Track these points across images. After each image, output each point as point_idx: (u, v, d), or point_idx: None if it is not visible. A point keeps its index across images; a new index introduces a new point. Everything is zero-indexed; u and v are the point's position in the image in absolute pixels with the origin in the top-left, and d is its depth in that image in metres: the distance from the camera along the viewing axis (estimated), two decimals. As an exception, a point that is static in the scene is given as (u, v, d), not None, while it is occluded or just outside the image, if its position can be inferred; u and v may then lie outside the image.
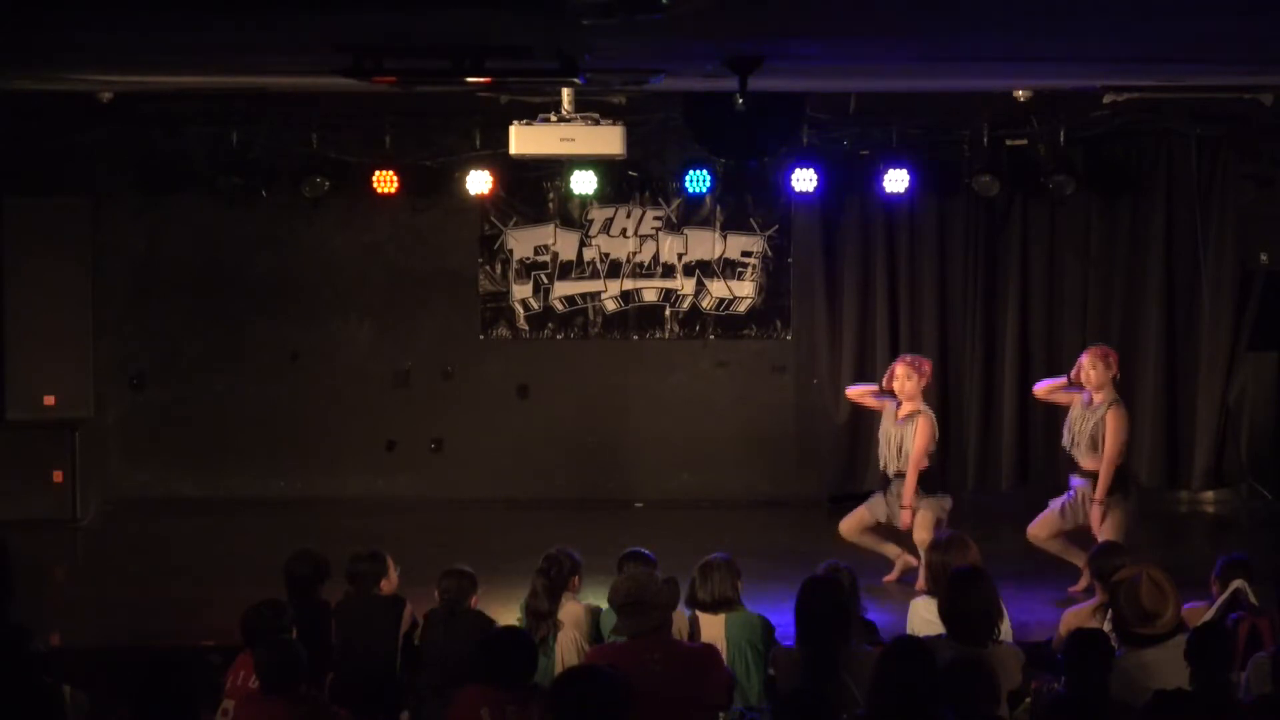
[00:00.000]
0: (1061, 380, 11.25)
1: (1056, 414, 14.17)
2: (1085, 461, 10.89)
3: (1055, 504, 11.03)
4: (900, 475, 11.00)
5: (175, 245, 14.31)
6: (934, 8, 6.95)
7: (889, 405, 11.19)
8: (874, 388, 11.50)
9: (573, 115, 10.34)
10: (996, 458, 14.12)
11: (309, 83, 10.98)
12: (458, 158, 13.54)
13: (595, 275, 14.40)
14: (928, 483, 11.02)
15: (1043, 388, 11.53)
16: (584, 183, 13.31)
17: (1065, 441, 11.07)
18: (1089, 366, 10.96)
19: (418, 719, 8.02)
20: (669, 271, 14.40)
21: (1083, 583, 10.60)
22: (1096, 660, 6.72)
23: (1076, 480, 10.95)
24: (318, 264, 14.36)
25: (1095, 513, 10.76)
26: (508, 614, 8.45)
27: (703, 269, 14.38)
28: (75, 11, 6.83)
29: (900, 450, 11.02)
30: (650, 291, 14.44)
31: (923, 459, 10.97)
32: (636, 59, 8.93)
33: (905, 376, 11.12)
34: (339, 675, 8.14)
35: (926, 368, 11.28)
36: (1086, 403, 10.95)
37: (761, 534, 12.62)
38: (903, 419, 11.03)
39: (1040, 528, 11.00)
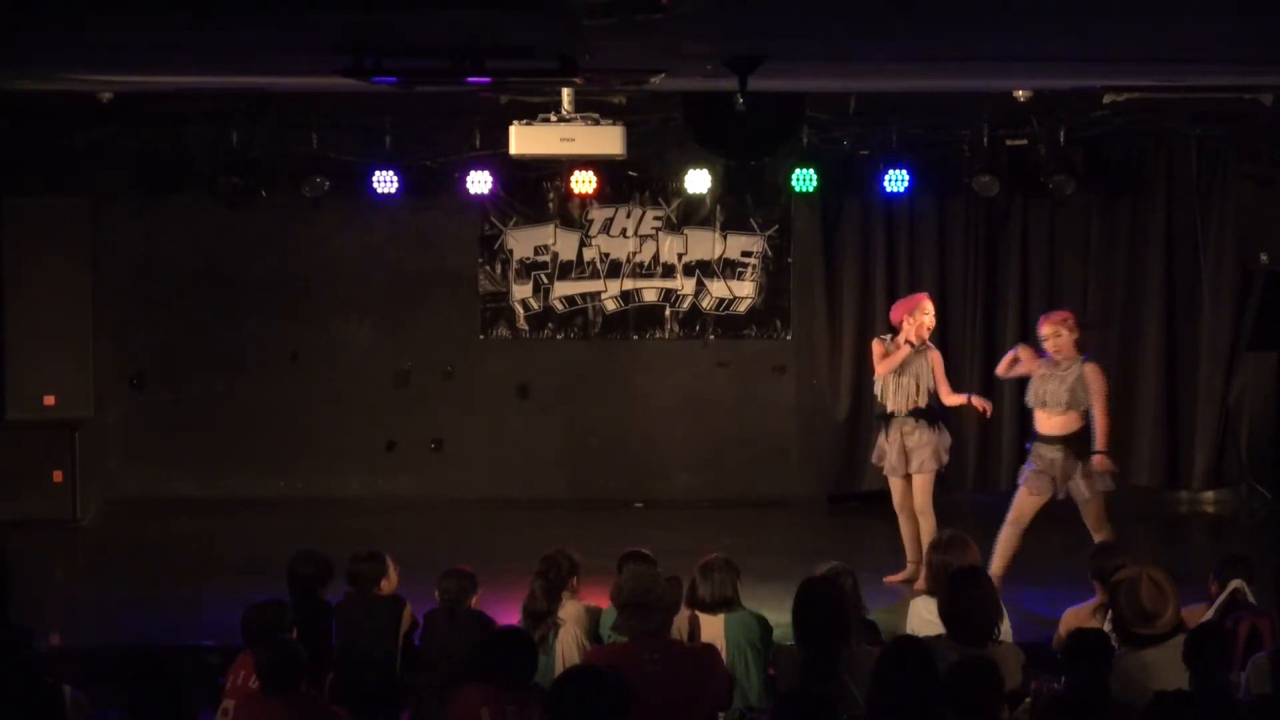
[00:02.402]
0: (1012, 354, 11.05)
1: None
2: (1049, 425, 10.65)
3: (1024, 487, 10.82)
4: (910, 412, 11.00)
5: (175, 245, 14.31)
6: (934, 8, 6.95)
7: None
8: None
9: (573, 115, 10.34)
10: (997, 458, 14.12)
11: (309, 83, 10.97)
12: (458, 158, 13.54)
13: (595, 275, 14.41)
14: (931, 416, 11.07)
15: (1001, 367, 11.22)
16: (584, 183, 13.32)
17: (1031, 400, 10.78)
18: (1052, 335, 10.69)
19: (418, 719, 8.02)
20: (669, 271, 14.40)
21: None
22: (1097, 660, 6.72)
23: (1044, 449, 10.69)
24: (318, 264, 14.36)
25: (1080, 485, 10.63)
26: (508, 614, 8.45)
27: (703, 269, 14.39)
28: (75, 11, 6.83)
29: (918, 387, 11.01)
30: (650, 291, 14.44)
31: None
32: (636, 59, 8.93)
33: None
34: (339, 675, 8.14)
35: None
36: (1053, 365, 10.67)
37: (761, 534, 12.62)
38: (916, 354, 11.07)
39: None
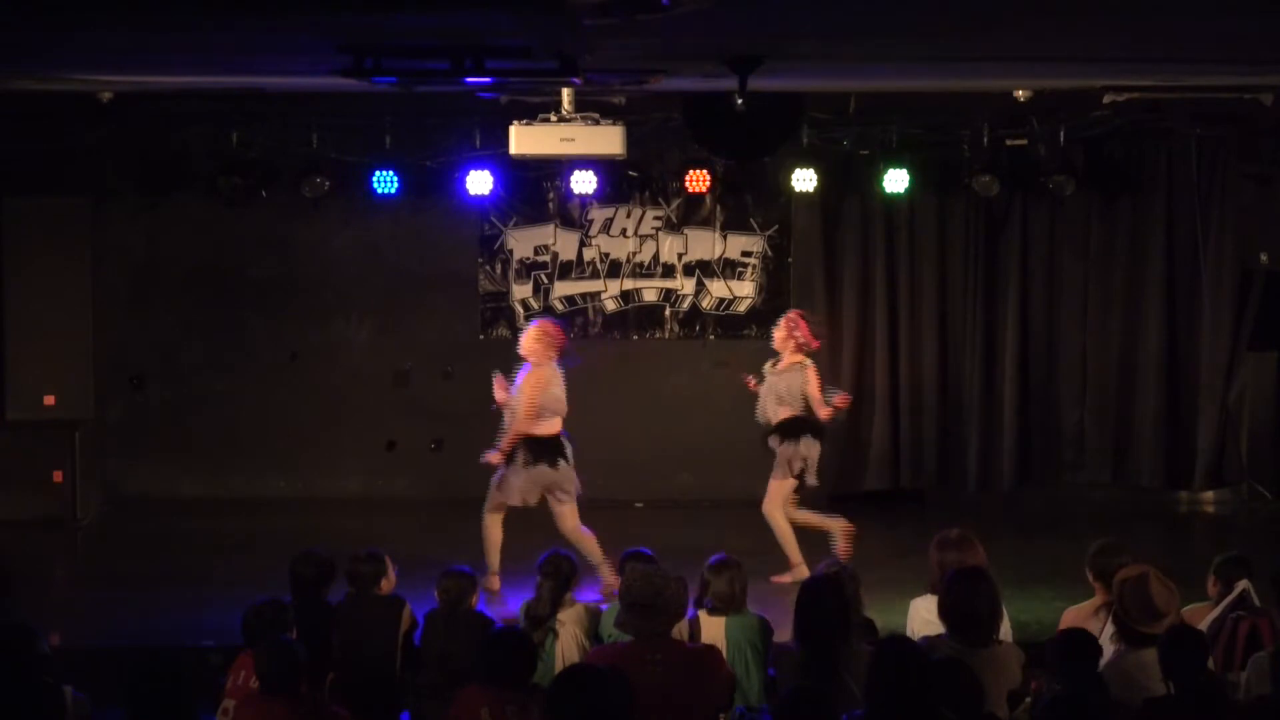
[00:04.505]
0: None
1: (1057, 414, 14.23)
2: (774, 417, 11.44)
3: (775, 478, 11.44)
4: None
5: (175, 245, 14.31)
6: (935, 8, 6.95)
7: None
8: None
9: (573, 115, 10.34)
10: (997, 457, 14.11)
11: (309, 83, 10.97)
12: (458, 158, 13.54)
13: (595, 275, 14.40)
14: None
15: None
16: (584, 183, 13.31)
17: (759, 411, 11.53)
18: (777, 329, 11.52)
19: (417, 719, 8.02)
20: (669, 271, 14.40)
21: (790, 576, 11.11)
22: (1084, 660, 6.70)
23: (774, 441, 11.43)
24: (318, 264, 14.36)
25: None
26: (507, 614, 8.44)
27: (703, 269, 14.39)
28: (76, 11, 6.83)
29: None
30: (650, 291, 14.44)
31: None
32: (636, 59, 8.92)
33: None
34: (339, 675, 8.14)
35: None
36: (772, 366, 11.52)
37: (761, 534, 12.59)
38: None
39: (775, 503, 11.41)
